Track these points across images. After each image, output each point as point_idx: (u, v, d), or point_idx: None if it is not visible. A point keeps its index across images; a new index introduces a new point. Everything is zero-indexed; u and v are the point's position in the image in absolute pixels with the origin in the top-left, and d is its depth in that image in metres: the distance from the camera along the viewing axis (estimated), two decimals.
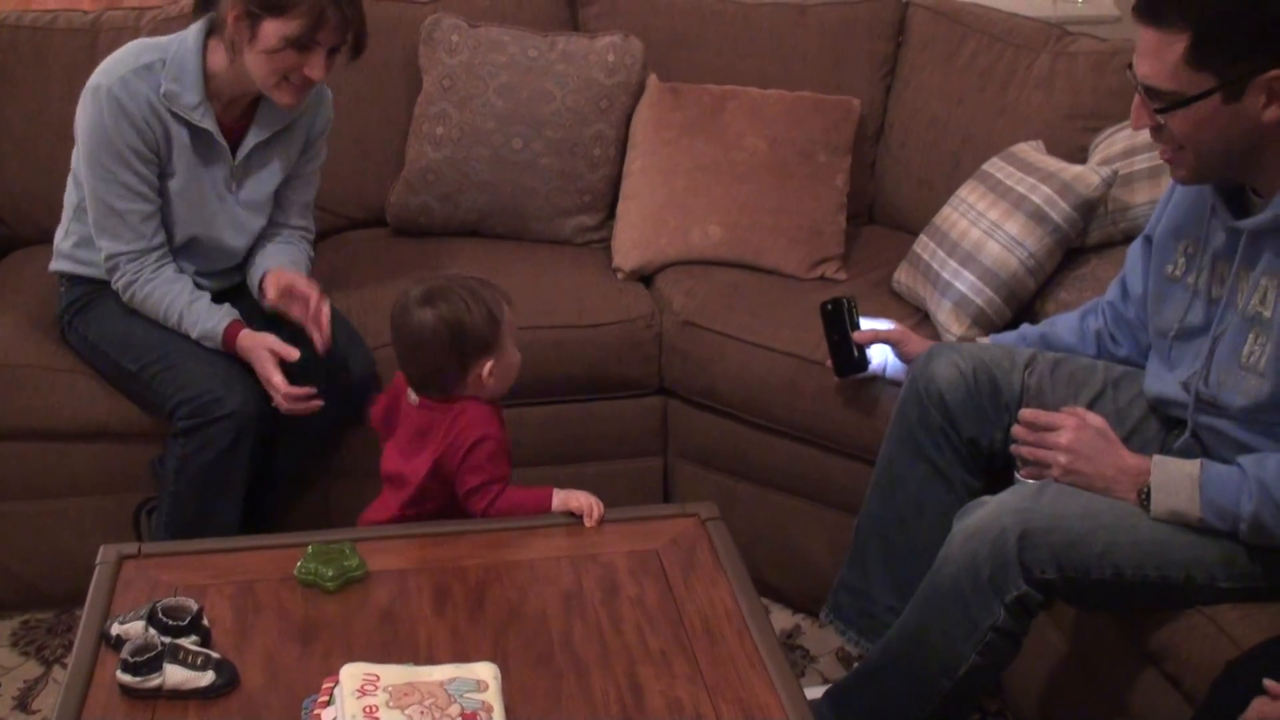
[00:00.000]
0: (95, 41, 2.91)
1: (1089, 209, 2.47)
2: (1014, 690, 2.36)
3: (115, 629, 1.84)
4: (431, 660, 1.80)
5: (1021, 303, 2.53)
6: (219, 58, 2.39)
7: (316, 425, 2.34)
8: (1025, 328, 2.35)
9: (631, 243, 2.92)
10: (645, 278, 2.92)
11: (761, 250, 2.86)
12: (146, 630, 1.81)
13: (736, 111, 2.93)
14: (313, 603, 1.95)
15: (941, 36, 3.02)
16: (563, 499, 2.15)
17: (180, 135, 2.41)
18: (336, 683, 1.67)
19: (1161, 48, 1.79)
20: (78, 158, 2.44)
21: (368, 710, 1.61)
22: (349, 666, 1.68)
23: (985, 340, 2.36)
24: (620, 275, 2.92)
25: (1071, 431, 1.98)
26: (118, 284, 2.46)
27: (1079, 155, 2.66)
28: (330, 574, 1.98)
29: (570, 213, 3.01)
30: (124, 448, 2.59)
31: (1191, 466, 1.89)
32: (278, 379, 2.35)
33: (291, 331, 2.43)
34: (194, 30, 2.41)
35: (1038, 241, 2.47)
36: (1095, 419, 2.01)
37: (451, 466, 2.12)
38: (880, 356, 2.45)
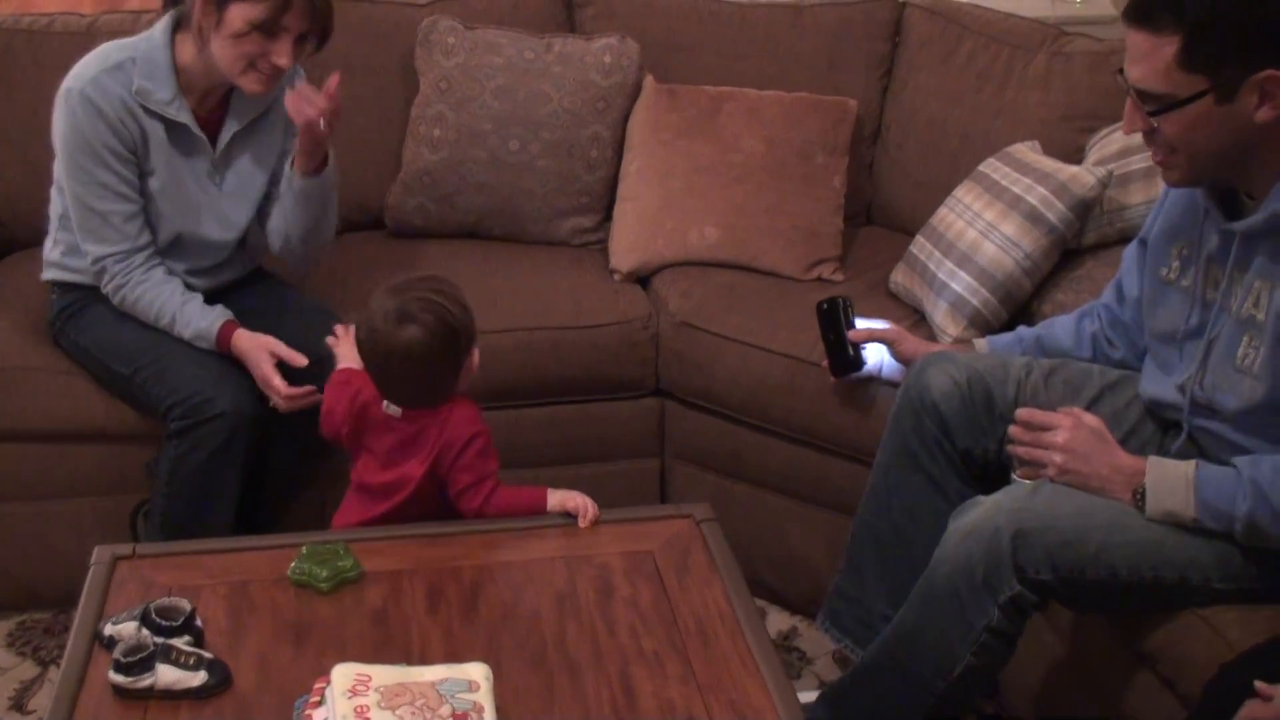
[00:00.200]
0: (92, 44, 2.83)
1: (1085, 209, 2.47)
2: (1010, 692, 2.35)
3: (108, 629, 1.84)
4: (425, 661, 1.80)
5: (1018, 304, 2.52)
6: (187, 51, 2.39)
7: (310, 427, 2.33)
8: (1021, 330, 2.34)
9: (628, 244, 2.91)
10: (642, 279, 2.92)
11: (758, 251, 2.86)
12: (139, 630, 1.81)
13: (733, 113, 2.93)
14: (306, 603, 1.95)
15: (938, 37, 3.02)
16: (558, 499, 2.14)
17: (157, 132, 2.41)
18: (328, 683, 1.67)
19: (1153, 51, 1.79)
20: (58, 165, 2.44)
21: (359, 710, 1.60)
22: (340, 667, 1.68)
23: (981, 342, 2.36)
24: (617, 277, 2.91)
25: (1067, 431, 1.97)
26: (107, 288, 2.46)
27: (1075, 156, 2.65)
28: (324, 575, 1.97)
29: (567, 214, 3.01)
30: (120, 449, 2.59)
31: (1187, 467, 1.89)
32: (277, 381, 2.35)
33: (288, 336, 2.43)
34: (160, 26, 2.41)
35: (1034, 242, 2.47)
36: (1091, 419, 2.00)
37: (444, 468, 2.12)
38: (876, 357, 2.45)
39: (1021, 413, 2.04)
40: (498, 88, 2.94)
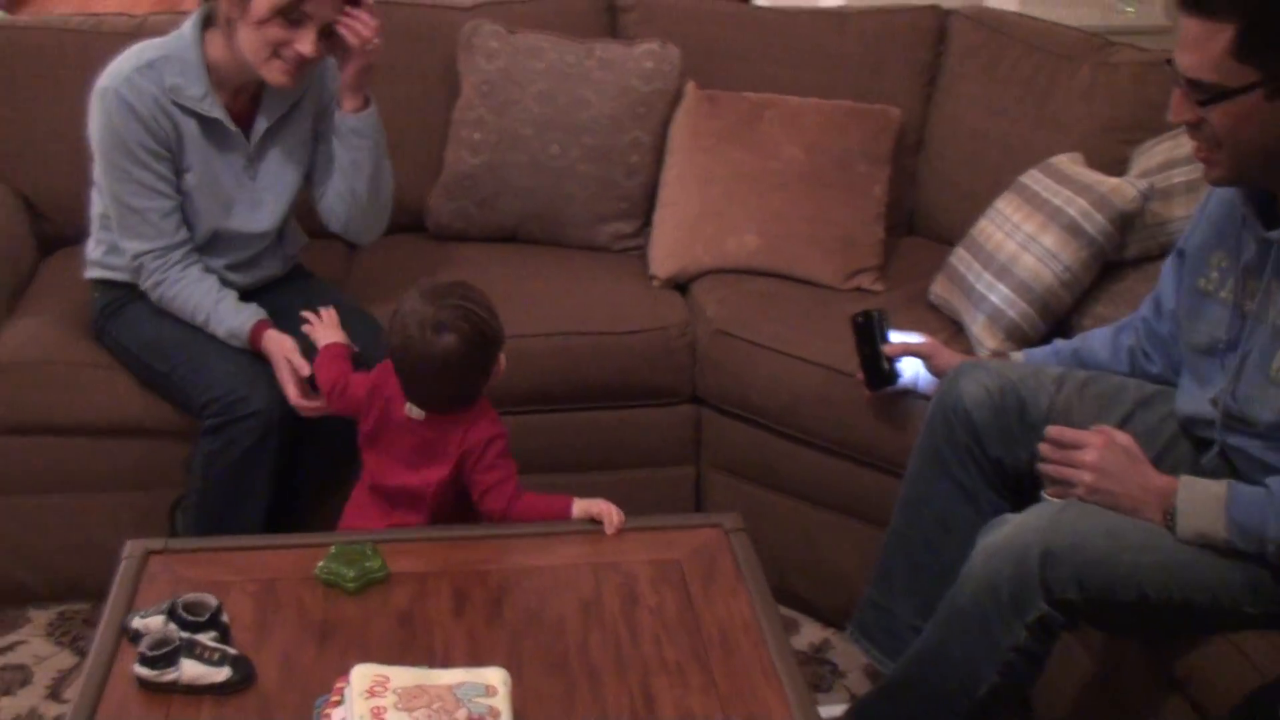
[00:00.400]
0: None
1: (1125, 222, 2.44)
2: (1040, 712, 2.32)
3: (136, 623, 1.86)
4: (447, 663, 1.81)
5: (1057, 317, 2.50)
6: (217, 47, 2.43)
7: (343, 430, 2.35)
8: (1058, 343, 2.32)
9: (667, 250, 2.91)
10: (681, 286, 2.92)
11: (797, 260, 2.85)
12: (166, 625, 1.83)
13: (774, 120, 2.92)
14: (332, 603, 1.96)
15: (983, 46, 2.99)
16: (584, 506, 2.14)
17: (191, 128, 2.44)
18: (348, 683, 1.68)
19: (1206, 38, 1.76)
20: (95, 165, 2.48)
21: (375, 711, 1.61)
22: (359, 667, 1.68)
23: (1018, 355, 2.34)
24: (656, 283, 2.91)
25: (1098, 450, 1.95)
26: (145, 284, 2.49)
27: (1119, 168, 2.62)
28: (351, 575, 1.98)
29: (607, 219, 3.01)
30: (159, 444, 2.61)
31: (1218, 487, 1.86)
32: (291, 390, 2.37)
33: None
34: (189, 24, 2.45)
35: (1073, 255, 2.44)
36: (1123, 437, 1.98)
37: (467, 470, 2.13)
38: (911, 370, 2.43)
39: (1051, 430, 2.01)
40: (539, 92, 2.95)
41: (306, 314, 2.39)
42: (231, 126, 2.48)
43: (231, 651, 1.81)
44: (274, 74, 2.40)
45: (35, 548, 2.68)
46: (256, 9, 2.34)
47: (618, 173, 2.97)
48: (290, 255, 2.73)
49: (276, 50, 2.37)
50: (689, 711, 1.76)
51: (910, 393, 2.45)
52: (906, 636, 2.19)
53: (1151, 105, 2.66)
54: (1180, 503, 1.87)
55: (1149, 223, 2.47)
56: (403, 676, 1.68)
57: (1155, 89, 2.68)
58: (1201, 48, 1.77)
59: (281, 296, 2.61)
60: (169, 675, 1.77)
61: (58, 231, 3.01)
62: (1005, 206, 2.59)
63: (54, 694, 2.50)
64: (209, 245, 2.54)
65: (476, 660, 1.82)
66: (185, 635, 1.80)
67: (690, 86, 3.00)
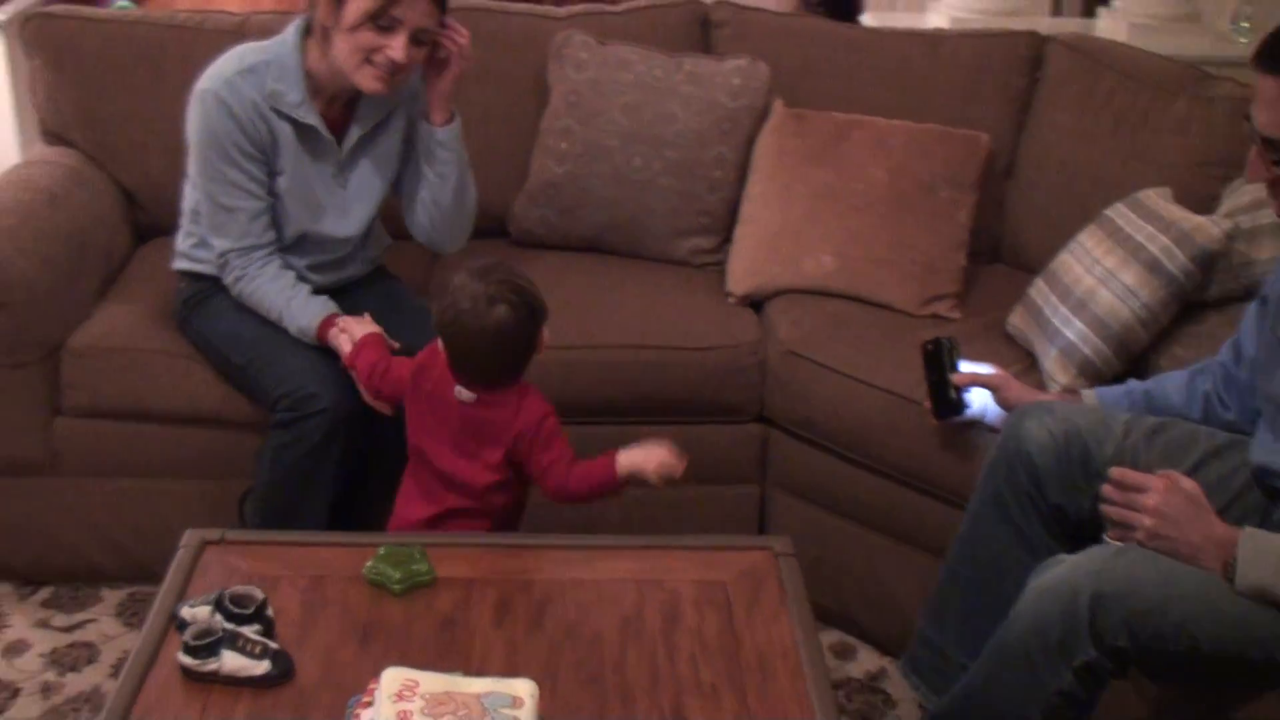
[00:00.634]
0: (241, 42, 2.99)
1: (1208, 262, 2.37)
2: None
3: (185, 612, 1.90)
4: (483, 671, 1.82)
5: (1133, 355, 2.43)
6: (315, 55, 2.48)
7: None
8: (1131, 383, 2.26)
9: (745, 268, 2.90)
10: (756, 304, 2.90)
11: (874, 283, 2.82)
12: (212, 615, 1.87)
13: (860, 141, 2.89)
14: (377, 603, 1.99)
15: (1079, 74, 2.93)
16: (627, 463, 2.15)
17: (286, 133, 2.49)
18: (379, 685, 1.70)
19: None
20: (190, 161, 2.54)
21: (402, 715, 1.63)
22: (390, 670, 1.70)
23: (1089, 393, 2.28)
24: (732, 300, 2.90)
25: (1160, 494, 1.89)
26: (227, 280, 2.55)
27: (1209, 205, 2.55)
28: (397, 577, 2.01)
29: (687, 234, 3.00)
30: (234, 435, 2.66)
31: None
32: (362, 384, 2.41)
33: (395, 335, 2.47)
34: (292, 30, 2.51)
35: (1152, 293, 2.38)
36: (1188, 483, 1.92)
37: (523, 450, 2.17)
38: (981, 401, 2.39)
39: (1115, 472, 1.96)
40: (625, 104, 2.95)
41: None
42: (326, 134, 2.53)
43: (273, 645, 1.84)
44: (366, 80, 2.44)
45: (111, 529, 2.75)
46: (349, 15, 2.39)
47: (700, 187, 2.97)
48: (372, 257, 2.77)
49: (369, 56, 2.41)
50: None
51: (978, 424, 2.40)
52: (956, 676, 2.15)
53: (1246, 142, 2.58)
54: (1241, 554, 1.82)
55: (1234, 263, 2.40)
56: (432, 682, 1.69)
57: None
58: (1278, 107, 1.72)
59: (361, 296, 2.65)
60: (210, 665, 1.80)
61: (152, 221, 3.08)
62: (1087, 240, 2.53)
63: (117, 673, 2.53)
64: (295, 246, 2.60)
65: (512, 670, 1.82)
66: (229, 627, 1.84)
67: (777, 104, 2.98)
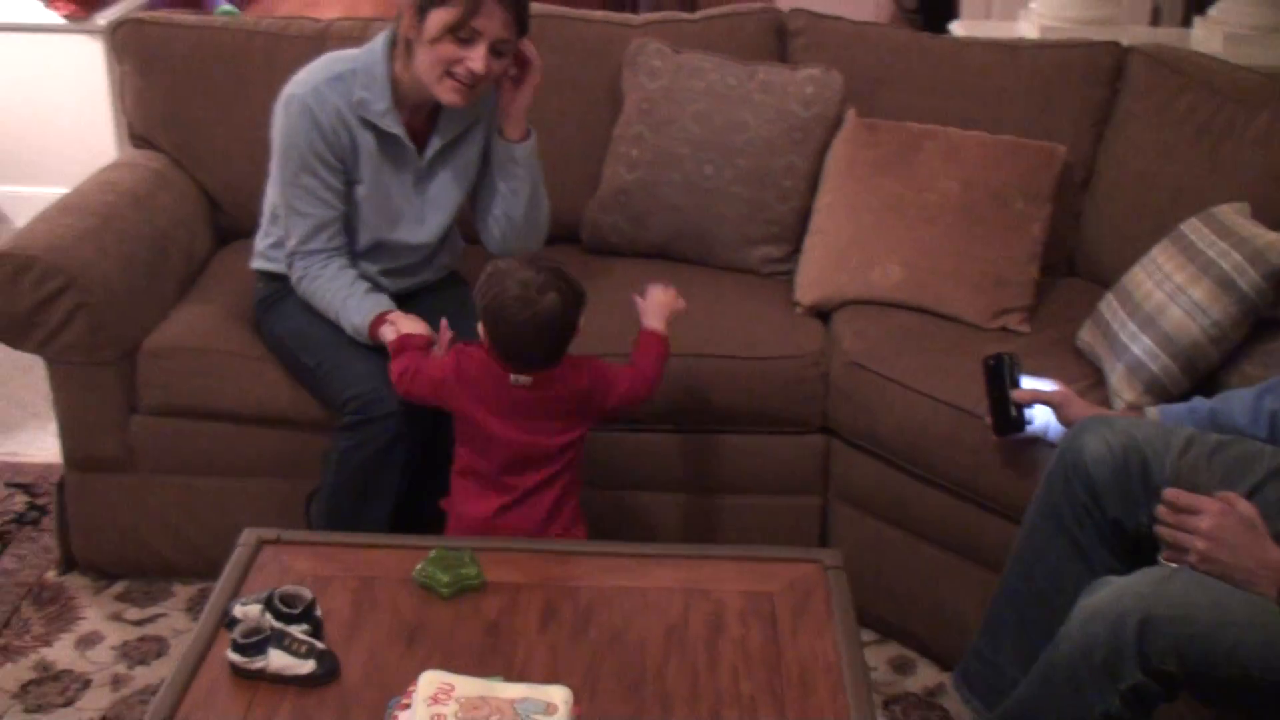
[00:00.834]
0: (323, 49, 3.01)
1: None
2: None
3: (236, 610, 1.94)
4: (525, 676, 1.84)
5: (1201, 373, 2.37)
6: (401, 66, 2.53)
7: None
8: (1196, 401, 2.21)
9: (813, 278, 2.88)
10: (824, 314, 2.88)
11: (942, 295, 2.78)
12: (262, 614, 1.90)
13: (933, 151, 2.86)
14: (425, 606, 2.02)
15: (1159, 86, 2.86)
16: (658, 323, 2.45)
17: (367, 142, 2.53)
18: (416, 687, 1.72)
19: None
20: (272, 163, 2.60)
21: (436, 718, 1.65)
22: (428, 673, 1.73)
23: (1153, 411, 2.24)
24: (799, 310, 2.88)
25: (1214, 517, 1.85)
26: (293, 279, 2.61)
27: None
28: (446, 580, 2.03)
29: (756, 242, 3.00)
30: (304, 436, 2.71)
31: None
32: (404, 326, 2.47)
33: (464, 337, 2.50)
34: (381, 40, 2.55)
35: (1223, 310, 2.32)
36: (1245, 506, 1.87)
37: (595, 403, 2.35)
38: (1043, 418, 2.35)
39: (1169, 493, 1.92)
40: (697, 112, 2.96)
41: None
42: (408, 143, 2.57)
43: (319, 645, 1.87)
44: (446, 93, 2.48)
45: (182, 526, 2.82)
46: (430, 28, 2.43)
47: (770, 196, 2.96)
48: (446, 264, 2.81)
49: (449, 69, 2.45)
50: None
51: (1040, 441, 2.37)
52: (1008, 690, 2.12)
53: None
54: None
55: None
56: (468, 686, 1.71)
57: None
58: None
59: (432, 301, 2.69)
60: (257, 663, 1.84)
61: (233, 224, 3.15)
62: (1160, 255, 2.48)
63: None
64: (369, 252, 2.64)
65: (553, 676, 1.84)
66: (277, 626, 1.87)
67: (851, 114, 2.96)
